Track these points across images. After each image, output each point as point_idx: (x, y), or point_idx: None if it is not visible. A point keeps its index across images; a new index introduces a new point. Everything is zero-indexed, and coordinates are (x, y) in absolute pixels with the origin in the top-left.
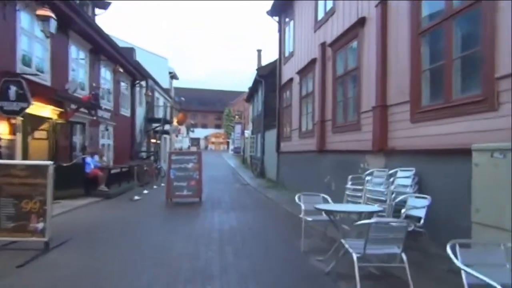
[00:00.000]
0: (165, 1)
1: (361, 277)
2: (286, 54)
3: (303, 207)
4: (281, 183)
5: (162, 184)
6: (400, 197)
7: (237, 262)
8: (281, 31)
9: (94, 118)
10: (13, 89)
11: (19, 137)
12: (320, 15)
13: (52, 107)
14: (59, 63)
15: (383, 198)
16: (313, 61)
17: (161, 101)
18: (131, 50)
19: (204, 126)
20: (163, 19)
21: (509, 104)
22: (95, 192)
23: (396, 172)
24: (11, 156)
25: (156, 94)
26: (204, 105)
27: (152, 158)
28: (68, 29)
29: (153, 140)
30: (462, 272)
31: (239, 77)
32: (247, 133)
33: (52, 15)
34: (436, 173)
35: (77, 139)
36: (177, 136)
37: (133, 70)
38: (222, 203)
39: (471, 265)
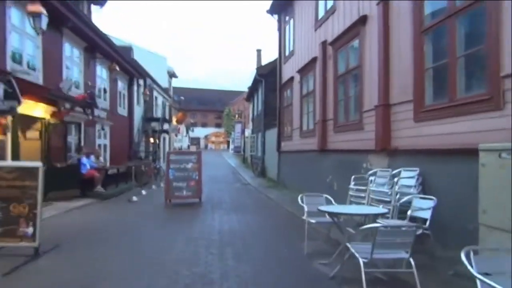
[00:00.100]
0: (165, 1)
1: (367, 281)
2: (286, 53)
3: (306, 208)
4: (282, 182)
5: (161, 185)
6: (405, 198)
7: (238, 266)
8: (281, 30)
9: (90, 117)
10: (2, 88)
11: (9, 137)
12: (321, 13)
13: (44, 106)
14: (52, 61)
15: (387, 199)
16: (313, 60)
17: (159, 100)
18: (128, 49)
19: (204, 125)
20: (163, 19)
21: None
22: (91, 193)
23: (399, 172)
24: (1, 158)
25: (155, 93)
26: (204, 104)
27: (150, 158)
28: (61, 26)
29: (151, 140)
30: (478, 281)
31: (239, 77)
32: (247, 132)
33: (43, 11)
34: (440, 173)
35: (72, 139)
36: (176, 135)
37: (130, 68)
38: (223, 204)
39: (486, 273)
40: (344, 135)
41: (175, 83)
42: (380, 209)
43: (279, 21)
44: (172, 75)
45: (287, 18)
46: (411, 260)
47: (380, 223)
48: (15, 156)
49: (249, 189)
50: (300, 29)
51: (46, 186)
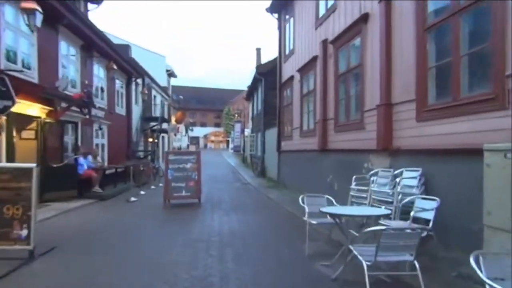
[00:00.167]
0: (165, 1)
1: (370, 284)
2: (287, 51)
3: (307, 209)
4: (282, 182)
5: (160, 184)
6: (407, 199)
7: (238, 269)
8: (281, 29)
9: (87, 117)
10: None
11: (3, 137)
12: (321, 11)
13: (40, 105)
14: (48, 59)
15: (389, 199)
16: (314, 59)
17: (158, 100)
18: (126, 47)
19: (204, 124)
20: (163, 19)
21: None
22: (89, 194)
23: (401, 172)
24: None
25: (153, 92)
26: (203, 103)
27: (149, 157)
28: (56, 23)
29: (150, 139)
30: (487, 286)
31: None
32: (247, 131)
33: (38, 7)
34: (443, 173)
35: (69, 138)
36: (175, 135)
37: (128, 67)
38: (222, 204)
39: (496, 278)
40: (345, 135)
41: (174, 82)
42: (383, 210)
43: (279, 19)
44: (171, 74)
45: (287, 16)
46: (416, 262)
47: (383, 224)
48: (10, 156)
49: (249, 189)
50: (300, 27)
51: (42, 187)
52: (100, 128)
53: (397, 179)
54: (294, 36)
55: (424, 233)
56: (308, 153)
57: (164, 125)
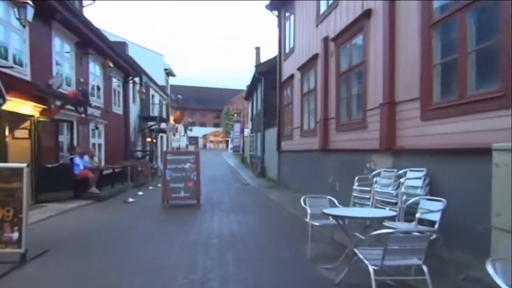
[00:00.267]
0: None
1: None
2: (287, 50)
3: (309, 211)
4: (283, 183)
5: (159, 185)
6: (412, 200)
7: (239, 272)
8: (281, 26)
9: (83, 115)
10: None
11: None
12: (323, 8)
13: (33, 103)
14: (41, 56)
15: (392, 200)
16: (315, 57)
17: (156, 99)
18: (123, 44)
19: (203, 124)
20: (157, 20)
21: None
22: (85, 195)
23: (405, 172)
24: None
25: (151, 91)
26: (203, 103)
27: (147, 157)
28: (50, 19)
29: (148, 139)
30: None
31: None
32: (247, 131)
33: (29, 1)
34: (448, 174)
35: (64, 138)
36: (174, 135)
37: (125, 65)
38: (222, 205)
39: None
40: (346, 134)
41: (173, 81)
42: (388, 211)
43: (279, 17)
44: (169, 73)
45: (287, 14)
46: (424, 267)
47: (388, 226)
48: (3, 156)
49: (249, 189)
50: (301, 25)
51: (37, 188)
52: (97, 128)
53: (401, 180)
54: (294, 33)
55: (433, 236)
56: (309, 153)
57: (163, 125)
